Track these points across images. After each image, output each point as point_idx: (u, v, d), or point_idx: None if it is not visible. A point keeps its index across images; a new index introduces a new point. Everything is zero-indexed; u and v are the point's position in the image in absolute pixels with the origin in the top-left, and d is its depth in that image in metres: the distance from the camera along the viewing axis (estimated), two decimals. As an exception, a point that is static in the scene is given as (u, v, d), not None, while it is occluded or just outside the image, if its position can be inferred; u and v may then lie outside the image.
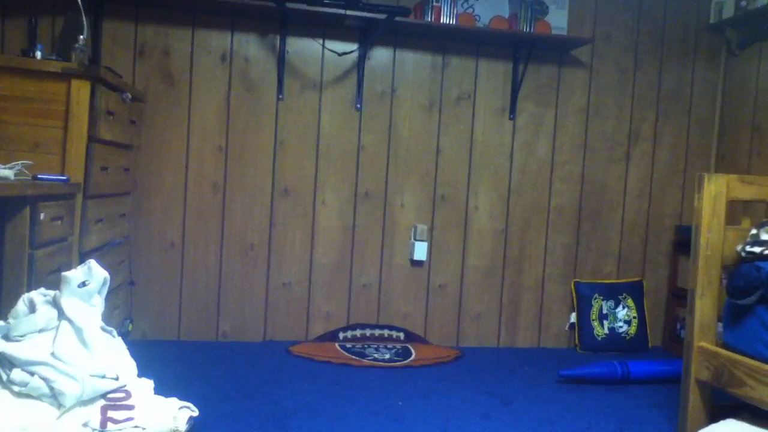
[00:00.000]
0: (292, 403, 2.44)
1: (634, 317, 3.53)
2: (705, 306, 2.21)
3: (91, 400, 1.71)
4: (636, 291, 3.58)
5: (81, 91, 2.21)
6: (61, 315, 1.72)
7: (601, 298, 3.52)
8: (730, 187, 2.21)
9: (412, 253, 3.35)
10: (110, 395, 1.74)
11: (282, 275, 3.25)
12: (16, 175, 1.93)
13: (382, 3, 3.01)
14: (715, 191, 2.19)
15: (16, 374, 1.63)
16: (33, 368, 1.63)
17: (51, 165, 2.18)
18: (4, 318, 1.75)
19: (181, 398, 1.93)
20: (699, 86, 3.62)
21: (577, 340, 3.51)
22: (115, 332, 1.87)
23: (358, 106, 3.28)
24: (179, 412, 1.86)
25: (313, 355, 3.02)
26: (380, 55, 3.30)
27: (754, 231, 2.20)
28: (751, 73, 3.42)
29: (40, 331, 1.71)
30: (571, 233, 3.55)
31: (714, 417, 2.21)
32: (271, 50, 3.19)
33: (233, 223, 3.21)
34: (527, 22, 3.25)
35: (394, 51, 3.32)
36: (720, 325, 2.23)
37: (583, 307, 3.51)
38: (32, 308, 1.74)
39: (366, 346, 3.16)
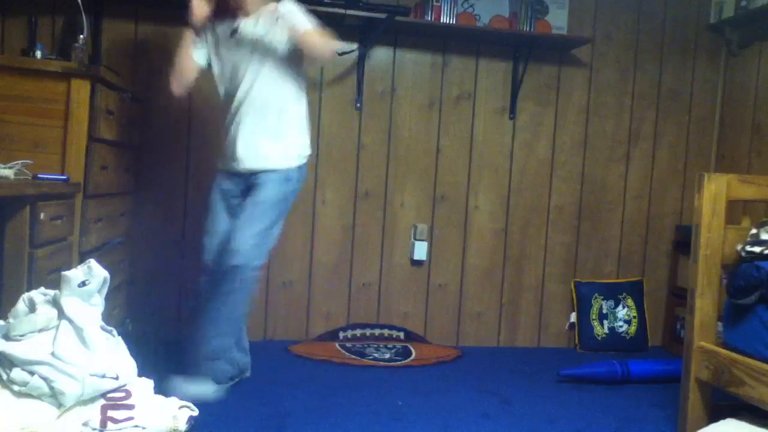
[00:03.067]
0: (292, 402, 2.44)
1: (634, 317, 3.53)
2: (705, 306, 2.21)
3: (91, 400, 1.71)
4: (636, 290, 3.58)
5: (81, 90, 2.21)
6: (61, 314, 1.72)
7: (601, 297, 3.52)
8: (730, 187, 2.21)
9: (412, 252, 3.35)
10: (110, 395, 1.74)
11: (282, 274, 3.25)
12: (16, 174, 1.93)
13: (382, 2, 3.01)
14: (715, 191, 2.19)
15: (16, 374, 1.63)
16: (33, 368, 1.63)
17: (51, 164, 2.18)
18: (4, 317, 1.75)
19: (181, 398, 1.93)
20: (699, 86, 3.62)
21: (577, 340, 3.51)
22: (115, 332, 1.87)
23: (358, 105, 3.28)
24: (179, 411, 1.85)
25: (313, 354, 3.02)
26: (380, 54, 3.30)
27: (754, 231, 2.20)
28: (751, 73, 3.41)
29: (40, 330, 1.70)
30: (571, 233, 3.55)
31: (714, 417, 2.21)
32: (271, 50, 3.19)
33: (233, 222, 3.20)
34: (527, 22, 3.25)
35: (394, 50, 3.32)
36: (720, 324, 2.23)
37: (583, 306, 3.50)
38: (32, 308, 1.74)
39: (366, 345, 3.16)
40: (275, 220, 2.42)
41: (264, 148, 2.41)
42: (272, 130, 2.41)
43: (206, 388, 2.35)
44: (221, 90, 2.51)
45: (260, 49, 2.39)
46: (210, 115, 3.16)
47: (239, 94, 2.41)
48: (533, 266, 3.52)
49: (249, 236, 2.34)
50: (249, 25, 2.42)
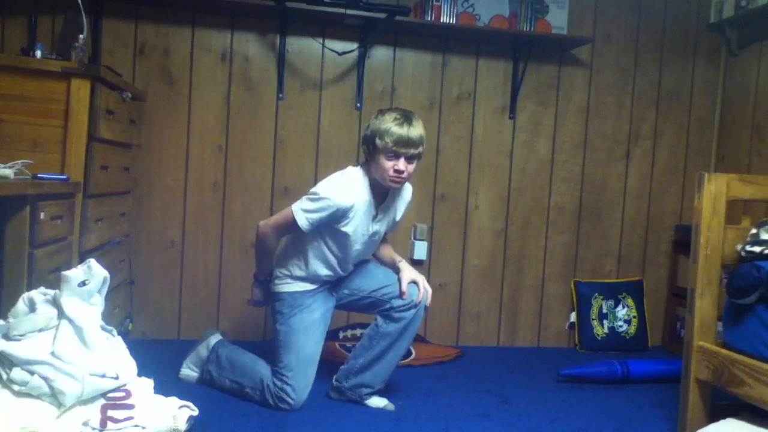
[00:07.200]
0: (292, 402, 2.44)
1: (634, 317, 3.53)
2: (705, 305, 2.21)
3: (91, 399, 1.71)
4: (636, 290, 3.58)
5: (81, 90, 2.21)
6: (61, 314, 1.72)
7: (601, 297, 3.52)
8: (730, 187, 2.21)
9: (411, 252, 3.35)
10: (110, 394, 1.74)
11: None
12: (16, 174, 1.93)
13: (382, 2, 3.01)
14: (715, 191, 2.19)
15: (16, 373, 1.63)
16: (33, 367, 1.63)
17: (51, 164, 2.18)
18: (4, 317, 1.75)
19: (181, 397, 1.93)
20: (699, 86, 3.62)
21: (576, 340, 3.51)
22: (114, 331, 1.87)
23: (359, 105, 3.28)
24: (179, 411, 1.85)
25: (313, 354, 3.02)
26: (380, 54, 3.30)
27: (753, 230, 2.20)
28: (751, 73, 3.41)
29: (40, 330, 1.71)
30: (571, 232, 3.55)
31: (714, 416, 2.21)
32: (271, 49, 3.19)
33: (233, 222, 3.21)
34: (527, 22, 3.25)
35: (395, 50, 3.31)
36: (720, 324, 2.23)
37: (582, 306, 3.50)
38: (32, 307, 1.74)
39: (366, 345, 3.15)
40: None
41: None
42: None
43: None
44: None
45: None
46: (210, 114, 3.17)
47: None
48: (533, 266, 3.52)
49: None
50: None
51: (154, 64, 3.09)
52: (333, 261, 2.41)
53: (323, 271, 2.42)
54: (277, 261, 2.49)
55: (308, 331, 2.40)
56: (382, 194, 2.41)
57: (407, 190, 2.54)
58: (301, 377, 2.35)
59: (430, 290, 2.47)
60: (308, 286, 2.44)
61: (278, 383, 2.35)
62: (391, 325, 2.42)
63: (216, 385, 2.51)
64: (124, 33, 3.05)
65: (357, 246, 2.39)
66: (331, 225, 2.31)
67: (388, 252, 2.61)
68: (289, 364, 2.36)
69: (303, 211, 2.28)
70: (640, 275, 3.63)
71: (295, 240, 2.44)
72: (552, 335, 3.56)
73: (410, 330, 2.45)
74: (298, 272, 2.43)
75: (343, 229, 2.31)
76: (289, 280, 2.44)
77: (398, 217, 2.55)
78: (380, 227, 2.45)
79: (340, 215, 2.28)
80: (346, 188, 2.30)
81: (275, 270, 2.48)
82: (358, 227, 2.34)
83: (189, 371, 2.59)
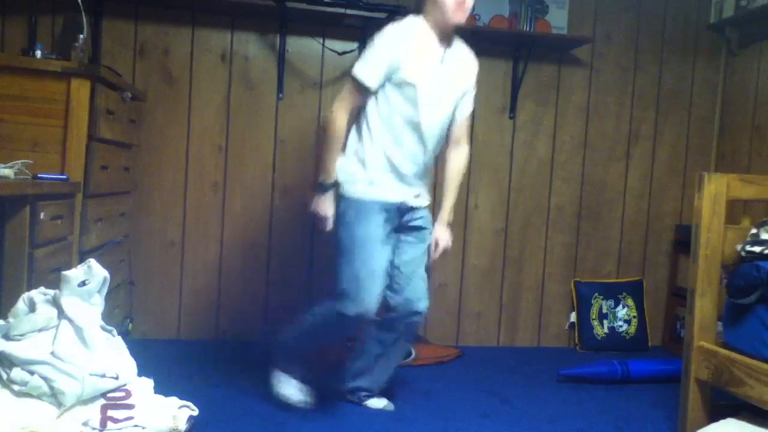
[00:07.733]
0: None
1: (634, 317, 3.53)
2: (705, 305, 2.21)
3: (91, 399, 1.71)
4: (636, 290, 3.58)
5: (81, 90, 2.21)
6: (61, 314, 1.72)
7: (601, 297, 3.52)
8: (730, 187, 2.21)
9: (412, 252, 3.34)
10: (110, 394, 1.74)
11: (282, 275, 3.24)
12: (16, 174, 1.93)
13: (382, 2, 3.01)
14: (715, 191, 2.19)
15: (16, 373, 1.63)
16: (33, 367, 1.63)
17: (51, 164, 2.18)
18: (4, 317, 1.75)
19: (180, 397, 1.93)
20: (699, 86, 3.62)
21: (576, 340, 3.51)
22: (114, 331, 1.87)
23: (358, 105, 3.27)
24: (179, 411, 1.86)
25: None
26: (380, 54, 3.30)
27: (754, 230, 2.20)
28: (751, 73, 3.41)
29: (40, 330, 1.71)
30: (571, 232, 3.55)
31: (714, 416, 2.21)
32: (271, 49, 3.19)
33: (233, 222, 3.21)
34: (527, 22, 3.25)
35: (394, 50, 3.31)
36: (720, 324, 2.23)
37: (582, 306, 3.50)
38: (32, 307, 1.74)
39: (366, 345, 3.15)
40: None
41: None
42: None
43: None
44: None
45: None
46: (210, 114, 3.17)
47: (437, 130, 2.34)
48: (533, 266, 3.52)
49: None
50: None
51: (154, 64, 3.09)
52: (405, 137, 2.24)
53: (395, 154, 2.24)
54: (346, 148, 2.30)
55: (380, 246, 2.24)
56: (446, 40, 2.29)
57: (471, 57, 2.45)
58: (369, 287, 2.19)
59: (441, 249, 2.47)
60: (377, 195, 2.24)
61: (344, 295, 2.20)
62: (383, 334, 2.40)
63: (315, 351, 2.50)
64: (124, 33, 3.05)
65: (428, 98, 2.23)
66: (395, 77, 2.18)
67: (455, 178, 2.54)
68: (353, 275, 2.19)
69: (362, 66, 2.18)
70: (640, 275, 3.63)
71: (363, 118, 2.27)
72: (552, 335, 3.55)
73: (404, 340, 2.46)
74: (369, 154, 2.24)
75: (409, 78, 2.18)
76: (358, 176, 2.25)
77: (468, 89, 2.44)
78: (451, 81, 2.31)
79: (399, 56, 2.16)
80: (398, 26, 2.21)
81: (343, 166, 2.27)
82: (424, 72, 2.21)
83: (287, 390, 2.42)
